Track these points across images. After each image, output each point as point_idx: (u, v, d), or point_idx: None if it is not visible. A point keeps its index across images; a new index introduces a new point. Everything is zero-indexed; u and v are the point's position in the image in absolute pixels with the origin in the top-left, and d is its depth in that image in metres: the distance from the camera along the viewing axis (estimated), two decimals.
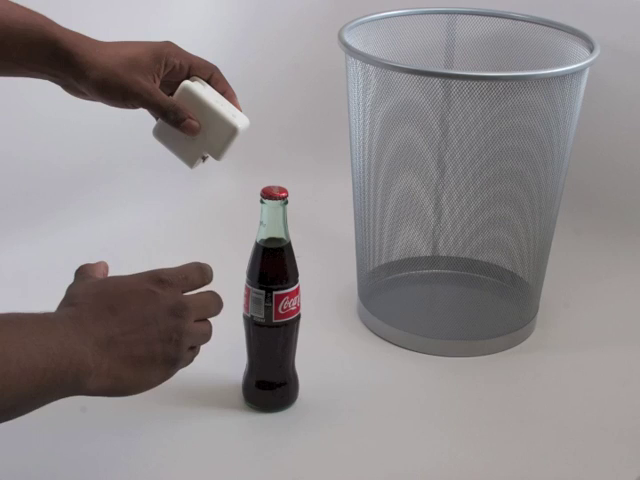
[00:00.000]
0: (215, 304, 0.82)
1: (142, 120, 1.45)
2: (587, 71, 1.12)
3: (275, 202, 0.97)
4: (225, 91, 0.96)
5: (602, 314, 1.26)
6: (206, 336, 0.81)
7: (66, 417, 0.95)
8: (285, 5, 1.63)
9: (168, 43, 0.95)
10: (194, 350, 0.81)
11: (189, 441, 0.98)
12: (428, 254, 1.28)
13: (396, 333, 1.18)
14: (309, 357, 1.09)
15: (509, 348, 1.18)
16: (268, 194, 0.97)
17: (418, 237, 1.23)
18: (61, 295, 0.79)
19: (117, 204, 1.46)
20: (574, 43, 1.19)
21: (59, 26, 0.91)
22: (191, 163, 0.96)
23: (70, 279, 0.80)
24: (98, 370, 0.71)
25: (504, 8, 1.28)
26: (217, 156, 0.94)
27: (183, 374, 0.82)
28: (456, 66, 1.30)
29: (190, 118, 0.91)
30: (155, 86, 0.92)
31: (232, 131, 0.93)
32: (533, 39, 1.25)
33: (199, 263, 0.83)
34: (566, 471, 0.97)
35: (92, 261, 1.32)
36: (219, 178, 1.53)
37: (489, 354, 1.17)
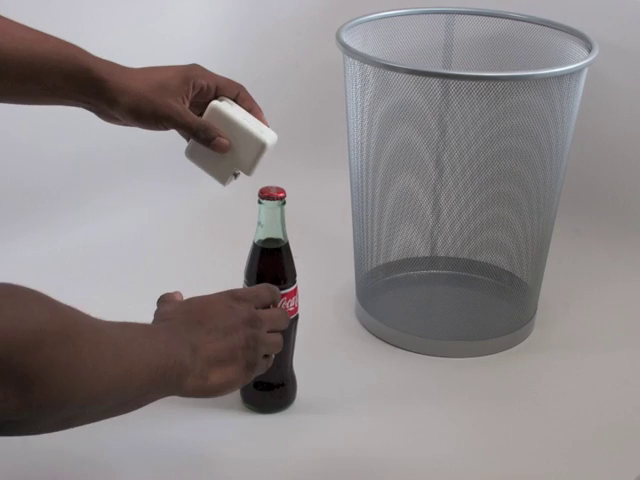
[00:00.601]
0: (284, 318, 0.93)
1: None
2: (585, 71, 1.12)
3: (273, 202, 0.97)
4: (251, 108, 1.00)
5: (601, 314, 1.26)
6: (277, 345, 0.91)
7: None
8: (282, 4, 1.63)
9: (195, 66, 0.99)
10: (268, 359, 0.91)
11: (187, 441, 0.98)
12: (426, 254, 1.28)
13: (394, 334, 1.18)
14: (307, 358, 1.08)
15: (508, 349, 1.18)
16: (266, 194, 0.97)
17: (416, 238, 1.23)
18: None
19: (115, 207, 1.46)
20: (572, 43, 1.19)
21: (91, 55, 0.95)
22: (223, 180, 0.99)
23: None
24: (193, 372, 0.81)
25: (502, 8, 1.28)
26: (248, 172, 0.98)
27: None
28: (454, 66, 1.29)
29: (220, 136, 0.96)
30: (185, 107, 0.96)
31: (261, 147, 0.97)
32: (531, 39, 1.25)
33: (268, 284, 0.94)
34: (566, 471, 0.96)
35: (93, 263, 1.33)
36: None
37: (487, 355, 1.17)
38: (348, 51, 1.12)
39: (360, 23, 1.21)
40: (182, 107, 0.95)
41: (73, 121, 1.38)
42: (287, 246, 1.00)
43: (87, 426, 0.97)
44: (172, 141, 1.04)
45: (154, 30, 1.51)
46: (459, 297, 1.25)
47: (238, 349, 0.85)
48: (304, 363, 1.06)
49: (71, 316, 0.68)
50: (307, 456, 0.97)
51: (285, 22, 1.63)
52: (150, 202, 1.48)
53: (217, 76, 1.00)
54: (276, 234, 0.99)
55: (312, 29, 1.59)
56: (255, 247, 0.99)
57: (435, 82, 1.08)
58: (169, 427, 1.00)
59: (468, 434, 1.01)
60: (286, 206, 0.98)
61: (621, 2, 1.43)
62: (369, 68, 1.11)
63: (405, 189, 1.18)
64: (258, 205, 0.98)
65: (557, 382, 1.12)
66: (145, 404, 0.78)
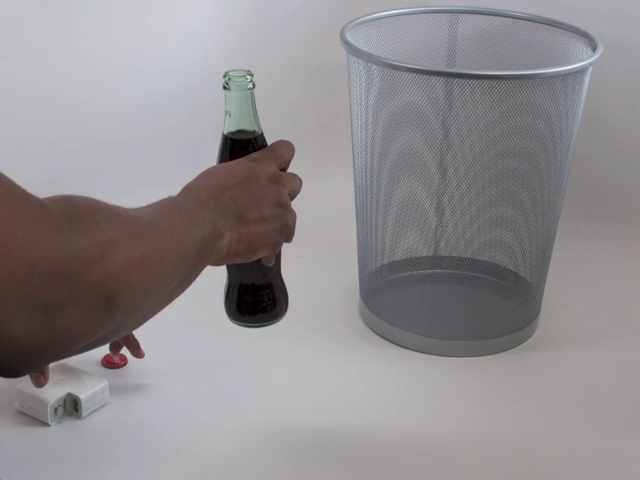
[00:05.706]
0: (298, 178, 0.87)
1: (141, 119, 1.45)
2: (590, 70, 1.12)
3: (240, 84, 0.83)
4: None
5: (604, 313, 1.26)
6: (294, 216, 0.86)
7: None
8: (286, 3, 1.63)
9: None
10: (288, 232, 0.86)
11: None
12: (430, 254, 1.28)
13: (398, 333, 1.18)
14: (311, 357, 1.08)
15: (512, 348, 1.18)
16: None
17: (420, 237, 1.23)
18: None
19: (114, 201, 1.45)
20: (577, 42, 1.19)
21: None
22: None
23: None
24: (227, 232, 0.78)
25: (506, 7, 1.28)
26: None
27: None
28: (458, 65, 1.29)
29: None
30: None
31: None
32: (535, 38, 1.24)
33: (284, 140, 0.88)
34: (567, 470, 0.97)
35: None
36: None
37: (492, 354, 1.17)
38: (352, 50, 1.12)
39: (364, 22, 1.21)
40: None
41: (72, 119, 1.39)
42: (262, 137, 0.86)
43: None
44: (171, 139, 1.04)
45: (157, 30, 1.51)
46: (463, 296, 1.25)
47: (265, 205, 0.82)
48: (307, 362, 1.06)
49: (128, 216, 0.70)
50: (307, 455, 0.98)
51: (289, 21, 1.63)
52: (148, 200, 1.48)
53: None
54: (249, 125, 0.85)
55: (316, 28, 1.59)
56: (225, 139, 0.85)
57: (439, 81, 1.08)
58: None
59: (471, 433, 1.01)
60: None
61: (625, 1, 1.43)
62: (373, 67, 1.11)
63: (409, 189, 1.18)
64: (224, 92, 0.84)
65: (561, 381, 1.12)
66: (193, 280, 0.77)
